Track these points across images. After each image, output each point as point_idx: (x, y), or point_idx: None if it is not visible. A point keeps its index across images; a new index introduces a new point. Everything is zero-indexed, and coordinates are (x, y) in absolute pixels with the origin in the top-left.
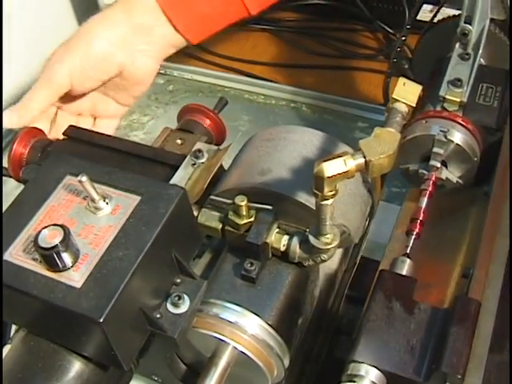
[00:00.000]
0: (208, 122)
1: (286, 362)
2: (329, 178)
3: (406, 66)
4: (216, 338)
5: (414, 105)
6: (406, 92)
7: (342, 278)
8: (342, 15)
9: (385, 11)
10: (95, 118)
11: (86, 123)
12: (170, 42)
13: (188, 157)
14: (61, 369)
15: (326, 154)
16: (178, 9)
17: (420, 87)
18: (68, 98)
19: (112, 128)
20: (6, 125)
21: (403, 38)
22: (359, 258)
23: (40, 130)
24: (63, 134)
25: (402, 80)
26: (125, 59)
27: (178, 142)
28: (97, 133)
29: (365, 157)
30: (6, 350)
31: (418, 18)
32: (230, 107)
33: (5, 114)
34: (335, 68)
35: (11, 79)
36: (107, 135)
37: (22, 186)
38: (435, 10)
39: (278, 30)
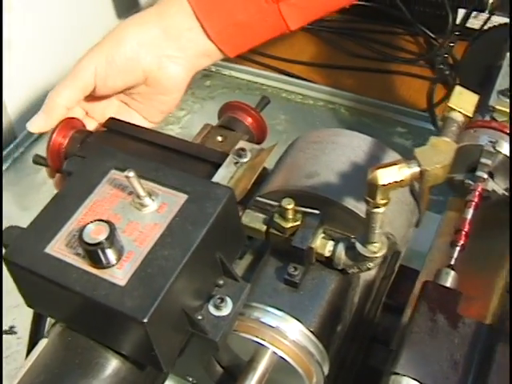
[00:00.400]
0: (250, 120)
1: (326, 370)
2: (383, 185)
3: (447, 72)
4: (256, 342)
5: (471, 115)
6: (463, 101)
7: (380, 285)
8: (382, 17)
9: (427, 15)
10: None
11: None
12: (202, 50)
13: (230, 155)
14: (97, 366)
15: (375, 160)
16: (211, 14)
17: (477, 97)
18: (94, 103)
19: None
20: (34, 131)
21: (451, 44)
22: (398, 265)
23: (79, 120)
24: (103, 125)
25: (458, 89)
26: (151, 63)
27: (219, 139)
28: (137, 126)
29: (420, 166)
30: (42, 344)
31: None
32: (268, 105)
33: (30, 122)
34: (374, 71)
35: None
36: (148, 129)
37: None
38: (485, 18)
39: (318, 29)
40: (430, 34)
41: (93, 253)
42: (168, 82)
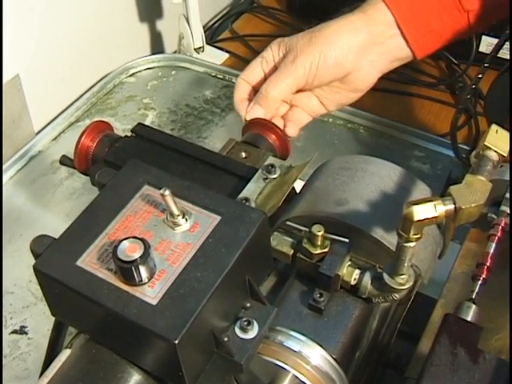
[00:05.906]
0: (274, 137)
1: None
2: (417, 221)
3: (469, 99)
4: (278, 365)
5: (506, 154)
6: (498, 140)
7: (395, 311)
8: None
9: None
10: (291, 106)
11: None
12: (397, 55)
13: (260, 170)
14: (121, 381)
15: (404, 190)
16: (411, 23)
17: None
18: None
19: (302, 122)
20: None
21: (479, 76)
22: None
23: (108, 123)
24: (131, 131)
25: (494, 127)
26: (354, 65)
27: (243, 154)
28: (165, 133)
29: (455, 203)
30: (65, 354)
31: (484, 51)
32: None
33: (250, 114)
34: (394, 92)
35: None
36: (176, 137)
37: (72, 177)
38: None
39: None
40: (452, 60)
41: (127, 270)
42: (361, 82)
